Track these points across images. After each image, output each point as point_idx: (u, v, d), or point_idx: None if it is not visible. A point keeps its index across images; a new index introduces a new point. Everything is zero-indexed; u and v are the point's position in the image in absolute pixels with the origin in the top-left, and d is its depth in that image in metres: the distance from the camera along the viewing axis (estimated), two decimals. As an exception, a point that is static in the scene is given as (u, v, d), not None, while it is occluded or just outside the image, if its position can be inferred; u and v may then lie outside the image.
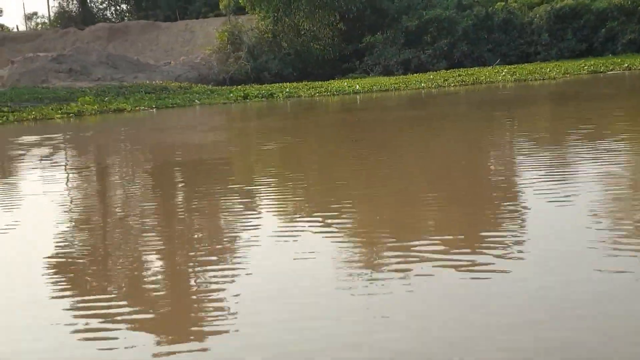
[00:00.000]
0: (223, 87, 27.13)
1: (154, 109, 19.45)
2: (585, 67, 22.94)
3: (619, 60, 25.18)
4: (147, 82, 28.76)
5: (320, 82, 27.45)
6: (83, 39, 42.72)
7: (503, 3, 34.32)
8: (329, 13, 32.76)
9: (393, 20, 33.84)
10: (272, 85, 26.87)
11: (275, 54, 32.22)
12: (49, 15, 52.98)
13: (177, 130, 13.38)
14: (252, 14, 33.95)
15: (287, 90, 22.80)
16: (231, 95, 22.31)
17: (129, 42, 42.11)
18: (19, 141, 12.28)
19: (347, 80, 28.41)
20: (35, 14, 62.69)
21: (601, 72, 21.57)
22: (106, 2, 51.37)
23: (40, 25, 62.47)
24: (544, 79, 20.48)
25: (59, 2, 51.22)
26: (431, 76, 25.08)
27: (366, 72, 32.48)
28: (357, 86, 22.55)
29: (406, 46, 32.62)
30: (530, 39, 32.33)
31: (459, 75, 23.51)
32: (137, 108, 19.32)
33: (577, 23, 31.75)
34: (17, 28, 61.45)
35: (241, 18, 35.78)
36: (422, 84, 21.27)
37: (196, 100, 21.08)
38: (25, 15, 62.06)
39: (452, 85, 20.83)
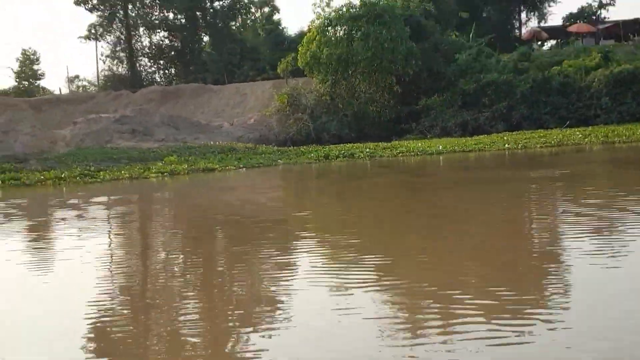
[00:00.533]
0: (293, 147, 28.84)
1: (244, 168, 20.97)
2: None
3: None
4: (212, 142, 30.45)
5: (399, 142, 29.13)
6: (136, 101, 45.24)
7: (559, 67, 35.89)
8: (385, 76, 34.64)
9: (449, 83, 35.67)
10: (352, 145, 28.56)
11: (333, 115, 33.96)
12: (98, 77, 55.95)
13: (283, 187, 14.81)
14: (310, 77, 35.94)
15: (368, 150, 24.26)
16: (312, 155, 23.80)
17: (180, 104, 44.48)
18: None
19: (420, 140, 29.95)
20: (77, 76, 65.96)
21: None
22: (155, 66, 54.31)
23: (81, 89, 65.51)
24: (631, 142, 21.62)
25: (109, 66, 54.27)
26: (511, 137, 26.38)
27: (422, 133, 34.05)
28: (440, 146, 23.91)
29: (463, 108, 34.25)
30: (590, 103, 33.82)
31: (539, 137, 24.81)
32: (227, 167, 20.82)
33: (637, 87, 33.07)
34: (60, 91, 64.68)
35: (295, 80, 37.81)
36: (506, 145, 22.58)
37: (279, 160, 22.59)
38: (68, 78, 65.29)
39: (538, 146, 22.13)
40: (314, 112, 33.98)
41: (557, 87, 34.78)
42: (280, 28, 55.63)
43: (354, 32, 35.12)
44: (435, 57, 36.55)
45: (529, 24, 64.30)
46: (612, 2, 63.71)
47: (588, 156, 18.72)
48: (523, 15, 65.15)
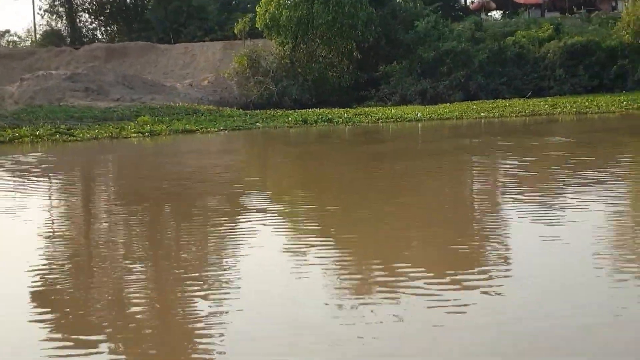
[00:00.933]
0: (259, 111, 29.51)
1: (226, 131, 21.69)
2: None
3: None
4: (170, 103, 30.80)
5: (378, 108, 30.61)
6: (79, 58, 44.66)
7: (513, 38, 37.71)
8: (345, 41, 35.56)
9: (408, 51, 36.99)
10: (331, 110, 29.48)
11: (293, 79, 34.73)
12: (35, 32, 54.50)
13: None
14: (269, 39, 36.50)
15: (346, 116, 25.26)
16: (290, 119, 24.65)
17: (127, 63, 44.18)
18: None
19: (395, 106, 31.28)
20: (7, 31, 63.90)
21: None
22: (96, 22, 53.35)
23: (11, 44, 63.61)
24: (602, 112, 23.47)
25: (47, 21, 52.99)
26: (484, 106, 28.01)
27: (382, 100, 35.31)
28: (419, 113, 25.18)
29: (422, 76, 35.59)
30: (544, 74, 35.83)
31: (509, 106, 26.52)
32: (208, 129, 21.49)
33: (589, 60, 35.34)
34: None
35: (253, 42, 38.25)
36: (482, 114, 24.08)
37: (257, 124, 23.37)
38: (-4, 32, 63.05)
39: (513, 115, 23.72)
40: (275, 76, 34.62)
41: (512, 57, 36.66)
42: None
43: (312, -5, 35.68)
44: (394, 24, 37.80)
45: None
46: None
47: (582, 125, 20.39)
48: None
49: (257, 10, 36.82)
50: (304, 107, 33.00)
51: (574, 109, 24.90)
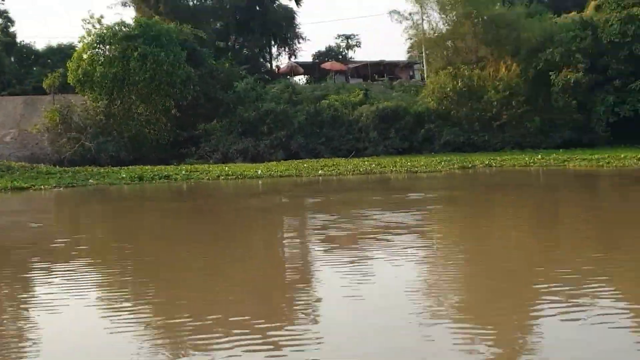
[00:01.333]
0: (80, 168, 30.82)
1: (61, 188, 23.10)
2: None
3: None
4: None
5: (213, 165, 34.38)
6: None
7: (327, 101, 42.41)
8: (163, 99, 37.97)
9: (227, 110, 40.55)
10: (167, 167, 31.59)
11: (109, 136, 36.22)
12: None
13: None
14: (82, 95, 37.76)
15: (184, 172, 27.46)
16: (124, 176, 26.33)
17: None
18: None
19: (242, 165, 34.08)
20: None
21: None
22: None
23: None
24: (431, 171, 29.11)
25: None
26: (316, 164, 32.36)
27: (203, 158, 38.14)
28: (260, 171, 28.07)
29: (243, 135, 38.85)
30: (359, 135, 40.89)
31: (334, 165, 31.32)
32: (43, 187, 22.74)
33: (399, 123, 41.06)
34: None
35: (63, 96, 39.26)
36: (320, 171, 27.60)
37: (91, 181, 24.86)
38: None
39: (349, 173, 27.93)
40: (90, 132, 35.80)
41: (328, 119, 41.28)
42: (24, 42, 55.52)
43: (128, 51, 37.68)
44: (213, 84, 41.13)
45: (280, 58, 72.02)
46: (358, 44, 75.42)
47: (428, 183, 24.64)
48: (274, 49, 72.30)
49: (69, 65, 38.47)
50: (121, 164, 35.30)
51: (404, 168, 29.33)
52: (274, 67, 67.50)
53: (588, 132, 43.08)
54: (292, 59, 69.93)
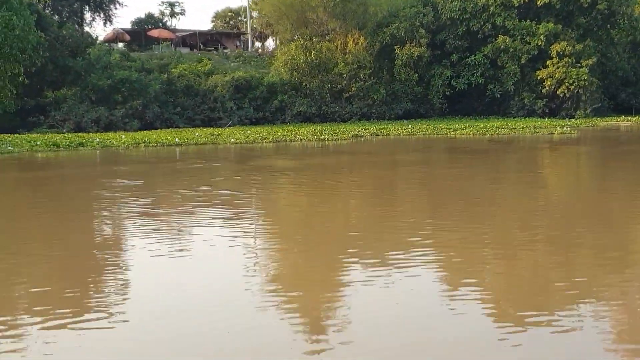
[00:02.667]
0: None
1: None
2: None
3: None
4: None
5: (118, 133, 38.70)
6: None
7: (178, 69, 47.30)
8: (13, 65, 40.80)
9: (77, 77, 43.82)
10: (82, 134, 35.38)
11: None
12: None
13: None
14: None
15: (98, 140, 31.58)
16: (38, 143, 30.15)
17: None
18: None
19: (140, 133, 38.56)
20: None
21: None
22: None
23: None
24: (291, 141, 34.69)
25: None
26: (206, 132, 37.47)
27: (54, 127, 41.40)
28: (177, 139, 33.28)
29: (96, 104, 42.64)
30: (214, 106, 46.02)
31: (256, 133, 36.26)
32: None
33: (253, 94, 46.71)
34: None
35: None
36: (231, 139, 33.36)
37: (10, 147, 28.62)
38: None
39: (263, 141, 33.58)
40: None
41: (182, 89, 46.14)
42: None
43: (-25, 13, 40.21)
44: (61, 50, 44.22)
45: (93, 24, 74.76)
46: (182, 12, 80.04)
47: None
48: (88, 15, 74.86)
49: None
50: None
51: (313, 136, 35.67)
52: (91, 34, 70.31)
53: (425, 103, 51.70)
54: (108, 25, 73.01)
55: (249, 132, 38.67)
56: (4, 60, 40.70)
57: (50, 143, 31.28)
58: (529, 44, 48.76)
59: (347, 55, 49.04)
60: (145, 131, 40.52)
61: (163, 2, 78.77)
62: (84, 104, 43.35)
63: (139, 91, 44.53)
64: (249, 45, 74.76)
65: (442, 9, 50.70)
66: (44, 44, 42.81)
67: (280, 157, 27.17)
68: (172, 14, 79.06)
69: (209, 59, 51.88)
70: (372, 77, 49.15)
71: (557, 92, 48.33)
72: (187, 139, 34.16)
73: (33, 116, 42.50)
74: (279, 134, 36.77)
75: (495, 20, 49.30)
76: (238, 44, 74.92)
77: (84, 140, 32.46)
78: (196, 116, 46.46)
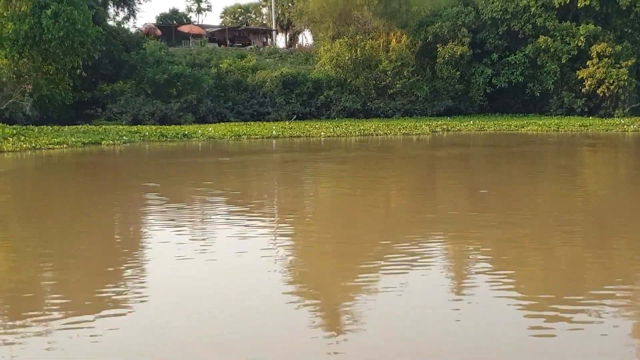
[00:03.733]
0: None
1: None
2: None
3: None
4: None
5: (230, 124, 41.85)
6: None
7: (225, 65, 49.72)
8: (73, 58, 43.19)
9: (131, 71, 46.14)
10: (184, 127, 39.67)
11: (22, 95, 41.11)
12: None
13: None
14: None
15: (200, 132, 34.15)
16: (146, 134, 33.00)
17: None
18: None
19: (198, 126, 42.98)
20: None
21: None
22: None
23: None
24: (386, 134, 37.94)
25: None
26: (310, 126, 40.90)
27: (111, 119, 43.69)
28: (274, 131, 36.38)
29: (152, 97, 44.98)
30: (263, 100, 48.40)
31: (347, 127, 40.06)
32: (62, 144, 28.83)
33: (299, 89, 49.12)
34: None
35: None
36: (321, 132, 36.21)
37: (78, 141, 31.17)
38: None
39: (352, 135, 36.74)
40: (8, 91, 40.51)
41: (232, 84, 48.51)
42: None
43: (38, 8, 42.46)
44: (115, 44, 46.59)
45: (116, 19, 77.24)
46: (209, 8, 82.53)
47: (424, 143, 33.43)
48: (111, 9, 77.15)
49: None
50: (36, 123, 39.67)
51: (395, 131, 39.00)
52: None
53: (465, 100, 54.33)
54: (132, 20, 75.35)
55: (330, 126, 41.89)
56: (64, 54, 43.11)
57: (158, 134, 34.11)
58: (569, 44, 51.30)
59: (390, 53, 51.53)
60: (220, 124, 44.29)
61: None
62: (140, 97, 45.70)
63: (192, 85, 46.89)
64: (274, 41, 77.40)
65: (482, 9, 53.27)
66: (100, 38, 45.19)
67: (417, 149, 31.07)
68: (199, 10, 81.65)
69: (252, 55, 54.48)
70: (415, 75, 51.73)
71: (597, 92, 50.93)
72: (280, 131, 37.71)
73: (90, 108, 44.85)
74: (361, 128, 39.98)
75: (536, 21, 51.83)
76: (265, 40, 77.42)
77: (187, 132, 35.59)
78: (245, 110, 48.84)
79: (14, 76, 42.55)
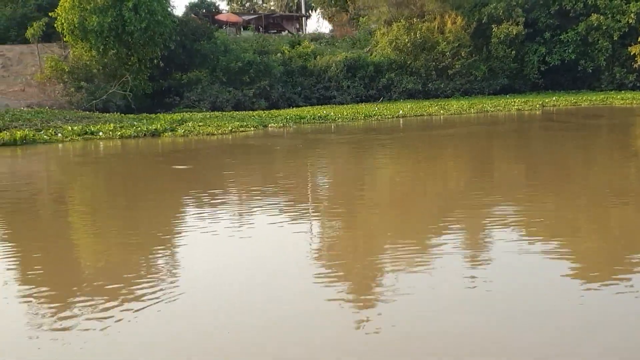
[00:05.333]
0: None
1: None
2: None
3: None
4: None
5: (338, 107, 49.50)
6: None
7: (290, 52, 53.05)
8: (154, 49, 46.40)
9: (204, 60, 49.29)
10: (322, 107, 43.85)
11: (114, 86, 44.29)
12: None
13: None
14: (72, 44, 45.13)
15: (345, 114, 38.20)
16: (286, 118, 38.01)
17: None
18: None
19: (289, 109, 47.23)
20: None
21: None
22: None
23: None
24: (499, 111, 41.88)
25: None
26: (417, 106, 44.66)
27: (190, 107, 46.86)
28: (401, 111, 40.75)
29: (226, 85, 48.26)
30: (328, 85, 51.70)
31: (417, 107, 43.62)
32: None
33: (361, 72, 52.51)
34: None
35: (57, 45, 46.44)
36: (432, 110, 41.21)
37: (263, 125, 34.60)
38: None
39: (464, 113, 40.67)
40: (97, 82, 43.71)
41: (297, 69, 51.76)
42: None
43: (119, 2, 45.59)
44: (187, 34, 49.78)
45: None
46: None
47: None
48: None
49: (58, 13, 44.97)
50: (129, 112, 42.82)
51: (501, 108, 43.07)
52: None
53: (519, 79, 58.03)
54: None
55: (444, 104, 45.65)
56: (145, 44, 46.34)
57: (297, 117, 38.32)
58: (620, 21, 54.93)
59: (447, 34, 55.05)
60: (309, 107, 48.37)
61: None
62: (216, 84, 48.89)
63: (263, 72, 50.18)
64: (304, 27, 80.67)
65: (536, -12, 57.08)
66: (175, 29, 48.41)
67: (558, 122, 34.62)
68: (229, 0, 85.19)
69: (309, 41, 57.91)
70: (472, 55, 55.27)
71: (649, 67, 54.76)
72: (403, 112, 41.18)
73: (169, 97, 48.03)
74: (474, 106, 43.70)
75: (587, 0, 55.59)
76: (297, 26, 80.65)
77: (320, 115, 39.39)
78: (312, 95, 52.26)
79: (101, 68, 45.71)
